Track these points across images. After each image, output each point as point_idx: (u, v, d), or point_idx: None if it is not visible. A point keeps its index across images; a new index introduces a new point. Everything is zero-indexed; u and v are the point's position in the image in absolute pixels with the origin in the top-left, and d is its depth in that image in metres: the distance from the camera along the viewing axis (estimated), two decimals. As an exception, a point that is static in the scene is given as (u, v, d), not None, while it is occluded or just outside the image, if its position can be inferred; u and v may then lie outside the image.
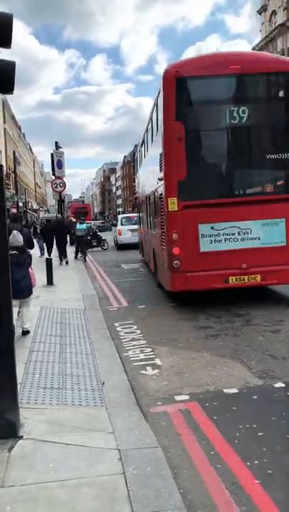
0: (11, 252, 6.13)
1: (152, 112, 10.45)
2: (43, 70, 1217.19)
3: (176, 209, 8.20)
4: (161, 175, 8.67)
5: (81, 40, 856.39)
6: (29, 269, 7.08)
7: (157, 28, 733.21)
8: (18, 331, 6.52)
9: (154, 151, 9.97)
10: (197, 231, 8.18)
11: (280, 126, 8.55)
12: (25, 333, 6.88)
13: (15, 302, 6.33)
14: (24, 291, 6.79)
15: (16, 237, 6.89)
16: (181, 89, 8.13)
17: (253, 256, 8.18)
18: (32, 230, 21.72)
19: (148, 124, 11.63)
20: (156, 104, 9.41)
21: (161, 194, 8.95)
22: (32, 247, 10.83)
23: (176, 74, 8.15)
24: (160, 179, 8.89)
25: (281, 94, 8.59)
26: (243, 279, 8.27)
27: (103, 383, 4.93)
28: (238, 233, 8.23)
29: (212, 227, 8.20)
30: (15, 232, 7.14)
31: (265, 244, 8.25)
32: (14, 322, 6.81)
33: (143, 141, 13.61)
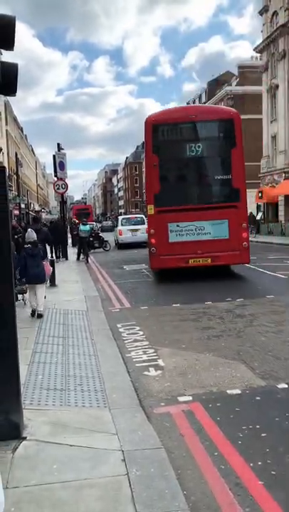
0: (26, 245, 8.37)
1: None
2: (47, 72, 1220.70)
3: (153, 213, 11.81)
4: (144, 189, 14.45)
5: (84, 42, 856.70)
6: (43, 261, 8.52)
7: (160, 30, 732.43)
8: (28, 312, 8.25)
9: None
10: (167, 228, 11.66)
11: (222, 156, 12.18)
12: (39, 316, 7.98)
13: (30, 287, 8.30)
14: (38, 277, 8.15)
15: (30, 234, 8.40)
16: (156, 132, 11.85)
17: (205, 245, 11.56)
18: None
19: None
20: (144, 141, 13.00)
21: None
22: (50, 243, 12.62)
23: (153, 122, 11.86)
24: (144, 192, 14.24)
25: (222, 134, 12.26)
26: (199, 261, 11.71)
27: None
28: (195, 229, 11.64)
29: (177, 225, 11.65)
30: (29, 230, 8.93)
31: (214, 237, 11.65)
32: (28, 303, 8.73)
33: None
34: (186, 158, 12.05)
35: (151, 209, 11.84)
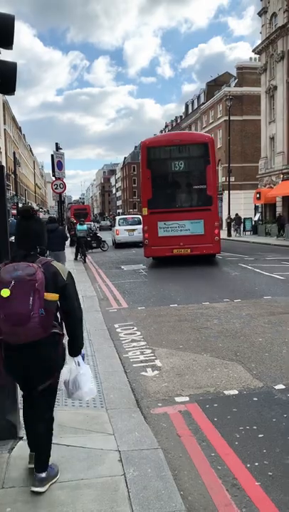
0: None
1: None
2: (47, 71, 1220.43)
3: (146, 213, 15.50)
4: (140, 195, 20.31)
5: (85, 42, 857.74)
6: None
7: (160, 31, 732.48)
8: None
9: None
10: (157, 225, 15.19)
11: (199, 171, 15.56)
12: None
13: None
14: None
15: None
16: (149, 153, 15.54)
17: (186, 239, 14.88)
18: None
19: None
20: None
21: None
22: (66, 239, 13.44)
23: (147, 145, 15.79)
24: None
25: (199, 154, 15.54)
26: (181, 251, 15.08)
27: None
28: (178, 227, 15.07)
29: (164, 223, 15.13)
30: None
31: (192, 233, 14.93)
32: None
33: None
34: (172, 172, 15.86)
35: (145, 211, 15.63)
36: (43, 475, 3.01)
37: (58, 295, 2.91)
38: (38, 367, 2.96)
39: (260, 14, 37.79)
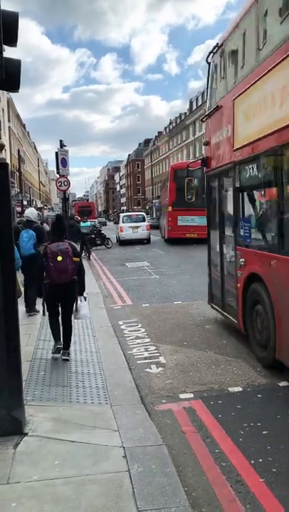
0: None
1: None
2: (54, 69, 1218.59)
3: (171, 210, 23.16)
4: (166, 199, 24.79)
5: (92, 40, 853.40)
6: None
7: (168, 28, 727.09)
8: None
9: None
10: (177, 218, 22.76)
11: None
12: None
13: None
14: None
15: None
16: (175, 173, 22.81)
17: (195, 228, 20.75)
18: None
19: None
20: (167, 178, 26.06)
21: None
22: (80, 234, 16.06)
23: (174, 167, 24.76)
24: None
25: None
26: (191, 235, 21.55)
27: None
28: (190, 220, 21.69)
29: (182, 217, 22.42)
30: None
31: (199, 224, 19.54)
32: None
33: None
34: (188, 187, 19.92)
35: (170, 208, 23.19)
36: (68, 351, 5.69)
37: (78, 258, 5.65)
38: (68, 294, 5.61)
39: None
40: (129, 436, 3.71)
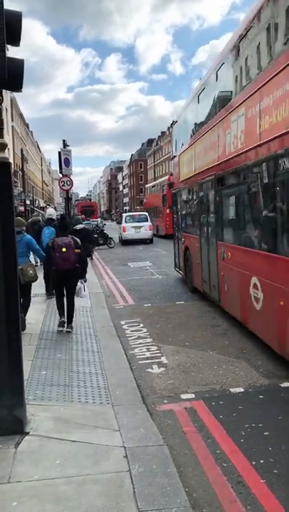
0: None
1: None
2: (59, 69, 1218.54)
3: (168, 212, 24.18)
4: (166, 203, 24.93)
5: (97, 40, 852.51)
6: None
7: (172, 28, 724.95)
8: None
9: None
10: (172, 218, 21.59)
11: None
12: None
13: None
14: None
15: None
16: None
17: None
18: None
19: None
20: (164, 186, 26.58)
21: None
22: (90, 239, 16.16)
23: (169, 180, 20.06)
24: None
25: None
26: None
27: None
28: None
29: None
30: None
31: None
32: None
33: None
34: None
35: (168, 210, 24.57)
36: (71, 325, 6.96)
37: (80, 250, 6.98)
38: (72, 278, 7.05)
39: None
40: (130, 436, 3.71)
